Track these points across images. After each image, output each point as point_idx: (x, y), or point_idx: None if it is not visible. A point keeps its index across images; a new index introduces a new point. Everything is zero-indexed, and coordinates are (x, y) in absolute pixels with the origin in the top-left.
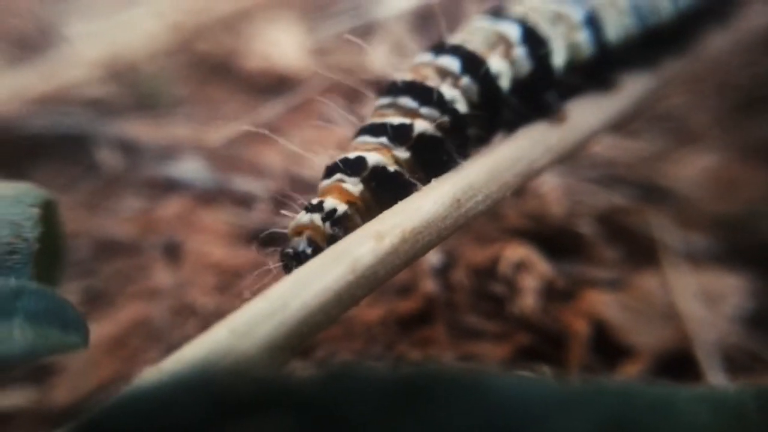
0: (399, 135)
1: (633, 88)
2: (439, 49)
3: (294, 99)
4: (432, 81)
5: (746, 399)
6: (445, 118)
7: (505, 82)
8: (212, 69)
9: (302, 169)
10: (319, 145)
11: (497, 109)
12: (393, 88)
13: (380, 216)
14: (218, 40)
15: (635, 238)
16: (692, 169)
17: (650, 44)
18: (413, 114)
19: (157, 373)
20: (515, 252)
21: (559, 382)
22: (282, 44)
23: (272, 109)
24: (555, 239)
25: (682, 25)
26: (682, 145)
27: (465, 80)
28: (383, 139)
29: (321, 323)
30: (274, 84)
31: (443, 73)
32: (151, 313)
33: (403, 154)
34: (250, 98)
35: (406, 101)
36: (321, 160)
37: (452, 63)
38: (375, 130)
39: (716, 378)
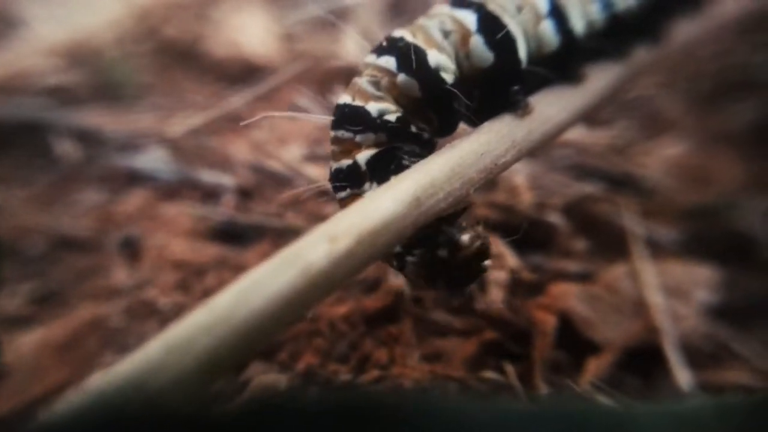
0: (354, 179)
1: (601, 79)
2: (380, 48)
3: (263, 87)
4: (361, 98)
5: (706, 412)
6: (381, 135)
7: (447, 74)
8: (178, 56)
9: (271, 161)
10: (290, 135)
11: (444, 102)
12: (334, 120)
13: (334, 217)
14: (185, 26)
15: (605, 229)
16: (663, 159)
17: (618, 34)
18: (352, 146)
19: (79, 396)
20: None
21: (512, 403)
22: (250, 30)
23: (241, 98)
24: (524, 231)
25: (650, 14)
26: (653, 134)
27: (401, 78)
28: (348, 192)
29: (269, 332)
30: (243, 71)
31: (380, 75)
32: (106, 313)
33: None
34: (217, 86)
35: (343, 133)
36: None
37: (389, 61)
38: (337, 178)
39: (683, 371)
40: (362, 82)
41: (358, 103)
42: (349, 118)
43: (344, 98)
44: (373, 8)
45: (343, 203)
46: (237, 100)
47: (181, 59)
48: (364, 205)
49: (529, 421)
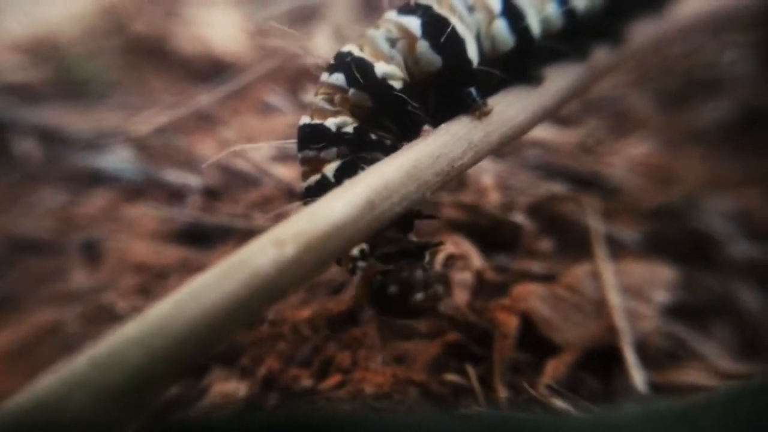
0: (324, 192)
1: (562, 80)
2: (330, 66)
3: (233, 85)
4: (319, 116)
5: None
6: (343, 148)
7: (395, 81)
8: (146, 53)
9: (239, 160)
10: (259, 134)
11: (396, 109)
12: (298, 142)
13: (283, 222)
14: (153, 22)
15: (570, 228)
16: (629, 159)
17: (578, 34)
18: (319, 163)
19: None
20: (450, 245)
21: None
22: (220, 27)
23: (210, 96)
24: (490, 231)
25: (610, 14)
26: (621, 134)
27: (352, 92)
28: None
29: (209, 344)
30: (212, 69)
31: (333, 92)
32: (62, 318)
33: None
34: (186, 84)
35: (308, 152)
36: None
37: (339, 78)
38: (309, 195)
39: (639, 372)
40: (318, 100)
41: (317, 121)
42: (310, 136)
43: (304, 119)
44: (346, 4)
45: None
46: (206, 98)
47: (149, 56)
48: (313, 209)
49: None
